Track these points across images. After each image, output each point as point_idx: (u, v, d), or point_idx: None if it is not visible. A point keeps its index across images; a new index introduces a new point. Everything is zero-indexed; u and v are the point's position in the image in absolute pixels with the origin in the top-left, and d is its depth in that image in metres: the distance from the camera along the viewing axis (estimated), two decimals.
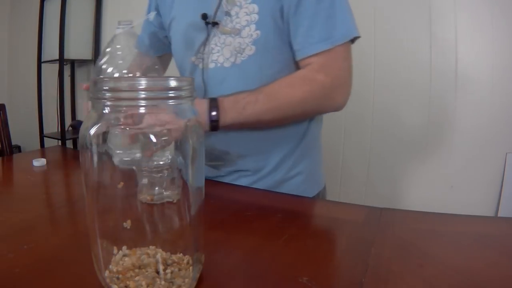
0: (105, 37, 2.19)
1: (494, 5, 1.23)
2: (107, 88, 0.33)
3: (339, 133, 1.57)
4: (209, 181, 0.84)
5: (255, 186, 0.83)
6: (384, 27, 1.46)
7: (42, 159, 0.87)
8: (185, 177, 0.36)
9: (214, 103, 0.70)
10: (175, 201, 0.38)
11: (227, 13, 0.76)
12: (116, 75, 0.66)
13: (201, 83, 0.81)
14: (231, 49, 0.78)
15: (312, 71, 0.75)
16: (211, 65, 0.80)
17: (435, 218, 0.60)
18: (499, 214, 1.30)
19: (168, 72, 1.06)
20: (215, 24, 0.77)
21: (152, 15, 0.85)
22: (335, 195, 1.59)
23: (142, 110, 0.34)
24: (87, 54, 2.19)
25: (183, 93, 0.35)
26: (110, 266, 0.37)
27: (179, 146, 0.36)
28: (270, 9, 0.74)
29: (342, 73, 0.76)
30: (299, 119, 0.82)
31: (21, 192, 0.72)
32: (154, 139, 0.34)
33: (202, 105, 0.70)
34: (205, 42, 0.80)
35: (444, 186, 1.37)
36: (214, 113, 0.70)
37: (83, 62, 2.26)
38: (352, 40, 0.75)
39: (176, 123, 0.35)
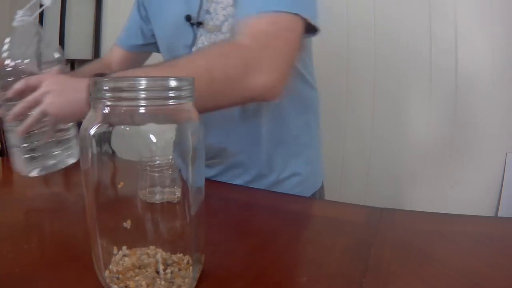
0: (105, 37, 2.19)
1: (494, 5, 1.23)
2: (107, 88, 0.33)
3: (339, 132, 1.57)
4: (209, 181, 0.84)
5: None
6: (384, 27, 1.46)
7: None
8: (185, 177, 0.36)
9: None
10: (175, 201, 0.38)
11: (207, 11, 0.76)
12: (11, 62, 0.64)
13: None
14: None
15: (238, 35, 0.62)
16: None
17: (435, 218, 0.60)
18: (499, 214, 1.30)
19: None
20: (199, 24, 0.77)
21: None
22: (335, 195, 1.59)
23: (142, 110, 0.34)
24: (87, 54, 2.19)
25: (183, 93, 0.35)
26: (110, 266, 0.37)
27: (179, 146, 0.36)
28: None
29: (277, 44, 0.60)
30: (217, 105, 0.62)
31: (21, 192, 0.72)
32: (154, 139, 0.34)
33: (81, 83, 0.55)
34: (193, 43, 0.79)
35: (444, 185, 1.37)
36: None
37: (83, 62, 2.26)
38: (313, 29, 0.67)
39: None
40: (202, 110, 0.51)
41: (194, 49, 0.79)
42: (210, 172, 0.86)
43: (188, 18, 0.77)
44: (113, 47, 1.02)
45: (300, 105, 0.85)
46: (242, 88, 0.58)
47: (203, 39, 0.78)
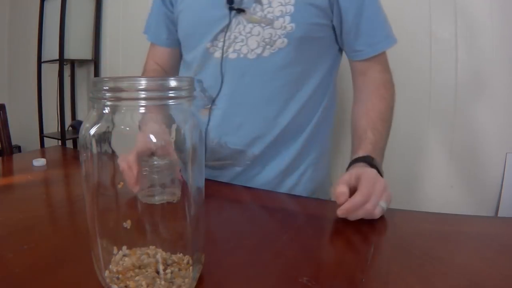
0: (105, 37, 2.19)
1: (494, 5, 1.23)
2: (107, 88, 0.33)
3: (339, 132, 1.57)
4: (209, 181, 0.84)
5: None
6: None
7: (42, 159, 0.87)
8: (185, 177, 0.36)
9: (372, 163, 0.70)
10: (175, 201, 0.38)
11: (258, 1, 0.72)
12: None
13: (219, 74, 0.75)
14: (259, 40, 0.72)
15: (381, 72, 0.82)
16: (232, 55, 0.74)
17: (435, 218, 0.60)
18: (499, 214, 1.30)
19: None
20: (241, 11, 0.72)
21: None
22: None
23: (142, 110, 0.34)
24: (87, 54, 2.19)
25: (183, 93, 0.35)
26: (110, 266, 0.37)
27: (179, 146, 0.36)
28: (307, 3, 0.71)
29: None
30: None
31: (21, 192, 0.72)
32: (153, 139, 0.34)
33: (371, 173, 0.66)
34: (226, 29, 0.74)
35: (444, 185, 1.37)
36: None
37: (83, 62, 2.26)
38: None
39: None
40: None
41: (225, 37, 0.74)
42: (226, 174, 0.81)
43: (230, 1, 0.72)
44: (152, 50, 0.93)
45: (329, 117, 0.91)
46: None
47: (240, 28, 0.73)
